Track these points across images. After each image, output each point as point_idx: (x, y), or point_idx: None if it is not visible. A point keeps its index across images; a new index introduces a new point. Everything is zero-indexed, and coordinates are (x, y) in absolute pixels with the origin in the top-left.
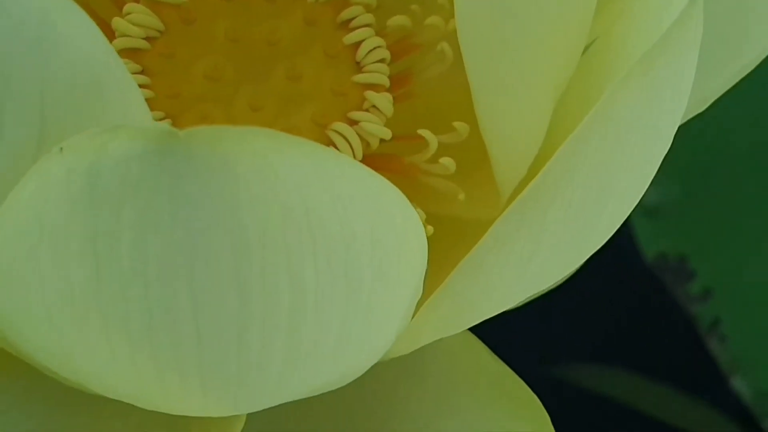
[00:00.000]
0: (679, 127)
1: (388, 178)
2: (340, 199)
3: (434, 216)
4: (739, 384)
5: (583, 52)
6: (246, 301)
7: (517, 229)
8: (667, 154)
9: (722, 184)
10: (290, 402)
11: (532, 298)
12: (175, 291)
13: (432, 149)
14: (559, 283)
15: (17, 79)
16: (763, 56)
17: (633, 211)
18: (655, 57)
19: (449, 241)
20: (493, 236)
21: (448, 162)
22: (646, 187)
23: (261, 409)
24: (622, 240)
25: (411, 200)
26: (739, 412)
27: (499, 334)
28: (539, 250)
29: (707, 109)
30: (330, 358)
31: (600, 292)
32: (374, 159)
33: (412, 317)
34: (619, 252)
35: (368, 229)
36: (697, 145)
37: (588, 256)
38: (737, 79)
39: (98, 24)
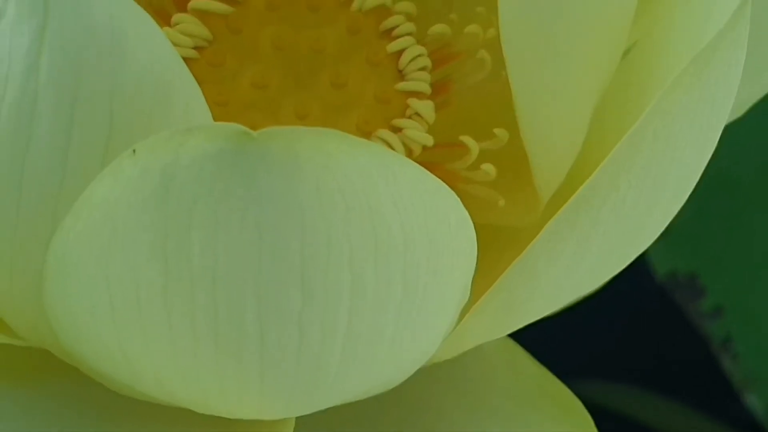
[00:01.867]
0: None
1: None
2: (402, 199)
3: (476, 223)
4: (752, 400)
5: (623, 57)
6: (309, 299)
7: (570, 230)
8: None
9: (732, 203)
10: (333, 407)
11: (575, 301)
12: (241, 290)
13: (473, 155)
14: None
15: (89, 83)
16: None
17: None
18: (708, 57)
19: (486, 249)
20: (545, 237)
21: (488, 168)
22: (693, 186)
23: (313, 411)
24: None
25: None
26: (752, 428)
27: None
28: (589, 251)
29: None
30: (384, 357)
31: (612, 309)
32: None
33: (459, 321)
34: (630, 270)
35: (425, 230)
36: (708, 164)
37: (636, 256)
38: None
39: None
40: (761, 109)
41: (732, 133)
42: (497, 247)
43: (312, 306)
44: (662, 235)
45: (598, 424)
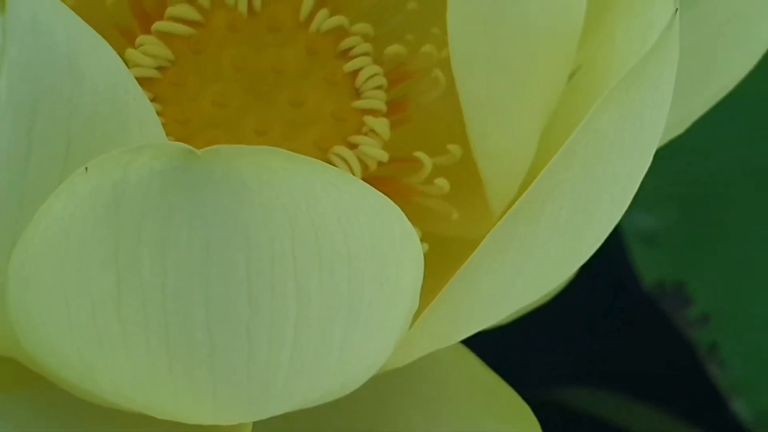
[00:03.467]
0: (676, 156)
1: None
2: (345, 214)
3: (429, 234)
4: (739, 407)
5: (570, 78)
6: (256, 310)
7: (509, 242)
8: (663, 183)
9: (718, 212)
10: (290, 412)
11: (525, 311)
12: (190, 302)
13: (427, 170)
14: (550, 297)
15: (47, 106)
16: (739, 79)
17: (631, 238)
18: (635, 78)
19: (442, 259)
20: (486, 249)
21: (442, 182)
22: (629, 201)
23: (267, 416)
24: (621, 266)
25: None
26: None
27: (497, 356)
28: (529, 262)
29: (703, 138)
30: (333, 366)
31: (599, 317)
32: (373, 181)
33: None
34: (617, 278)
35: (369, 243)
36: (693, 173)
37: (576, 269)
38: (716, 101)
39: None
40: (745, 118)
41: (717, 141)
42: (453, 256)
43: (259, 318)
44: (649, 244)
45: (586, 431)
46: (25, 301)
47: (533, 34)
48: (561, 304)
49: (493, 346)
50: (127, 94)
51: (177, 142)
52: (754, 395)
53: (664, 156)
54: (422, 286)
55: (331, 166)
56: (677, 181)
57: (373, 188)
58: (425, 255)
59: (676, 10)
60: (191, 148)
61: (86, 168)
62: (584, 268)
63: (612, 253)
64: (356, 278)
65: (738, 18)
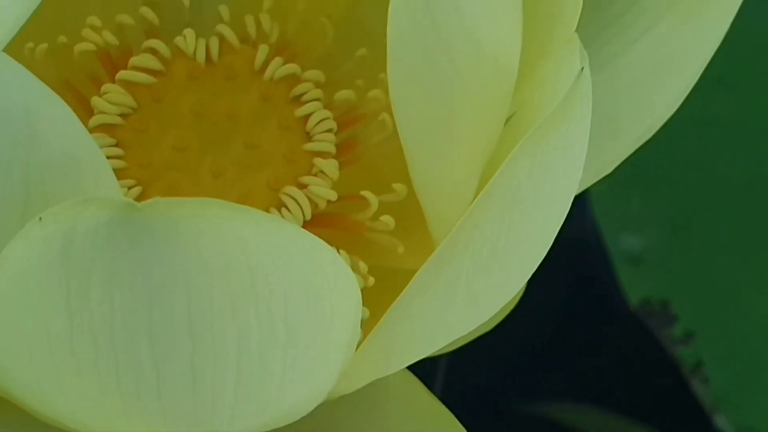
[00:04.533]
0: (661, 178)
1: (336, 235)
2: (279, 257)
3: (378, 267)
4: (722, 422)
5: (507, 122)
6: (198, 347)
7: (435, 280)
8: (649, 204)
9: (701, 233)
10: None
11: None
12: (137, 339)
13: (373, 208)
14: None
15: (6, 158)
16: (663, 121)
17: (617, 258)
18: (545, 130)
19: (390, 290)
20: (416, 285)
21: (388, 220)
22: (551, 243)
23: None
24: (608, 286)
25: (357, 254)
26: None
27: (482, 368)
28: (456, 298)
29: (686, 161)
30: (276, 397)
31: (587, 336)
32: (323, 217)
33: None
34: (604, 298)
35: (304, 283)
36: (677, 195)
37: (501, 305)
38: (639, 144)
39: (78, 101)
40: (727, 141)
41: (701, 164)
42: (400, 287)
43: (202, 353)
44: (635, 264)
45: None
46: None
47: (468, 85)
48: (550, 320)
49: (478, 359)
50: (82, 149)
51: (121, 197)
52: (736, 411)
53: (649, 178)
54: (370, 317)
55: (265, 213)
56: (662, 203)
57: (305, 231)
58: (372, 287)
59: (582, 68)
60: (132, 201)
61: (40, 218)
62: (573, 288)
63: (599, 273)
64: (293, 315)
65: (657, 70)
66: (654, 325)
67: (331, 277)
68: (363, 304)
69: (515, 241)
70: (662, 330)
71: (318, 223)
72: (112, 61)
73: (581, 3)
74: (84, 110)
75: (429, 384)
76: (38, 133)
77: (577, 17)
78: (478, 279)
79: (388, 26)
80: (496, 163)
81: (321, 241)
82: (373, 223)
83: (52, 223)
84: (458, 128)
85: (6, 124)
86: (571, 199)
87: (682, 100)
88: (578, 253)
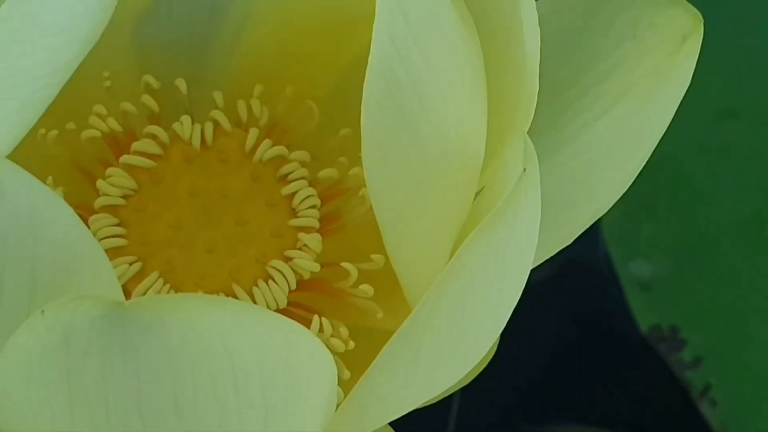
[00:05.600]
0: (671, 207)
1: (321, 299)
2: (256, 340)
3: (362, 328)
4: None
5: (476, 197)
6: (183, 422)
7: (399, 356)
8: (659, 232)
9: (710, 260)
10: None
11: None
12: (128, 415)
13: (353, 278)
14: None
15: (13, 255)
16: (617, 198)
17: (628, 285)
18: (493, 223)
19: (371, 349)
20: (382, 359)
21: (367, 288)
22: (507, 318)
23: None
24: (618, 312)
25: (338, 317)
26: None
27: (495, 394)
28: (419, 370)
29: (696, 192)
30: None
31: (597, 360)
32: (309, 284)
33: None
34: (615, 323)
35: (279, 360)
36: (687, 223)
37: (462, 375)
38: (594, 220)
39: (87, 179)
40: (737, 170)
41: (710, 193)
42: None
43: (187, 425)
44: (646, 290)
45: None
46: (2, 407)
47: (435, 170)
48: (561, 345)
49: (491, 386)
50: (82, 245)
51: (110, 297)
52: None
53: (659, 206)
54: (351, 377)
55: (242, 302)
56: (672, 231)
57: (279, 315)
58: (353, 350)
59: (525, 169)
60: (121, 300)
61: (43, 311)
62: (584, 313)
63: (610, 298)
64: (270, 392)
65: (613, 150)
66: (663, 350)
67: (306, 355)
68: (344, 366)
69: (471, 319)
70: (672, 355)
71: (303, 287)
72: (117, 143)
73: (535, 102)
74: (92, 188)
75: (444, 411)
76: (42, 233)
77: (531, 116)
78: (437, 353)
79: (361, 117)
80: (468, 234)
81: (294, 323)
82: (353, 290)
83: (52, 315)
84: (428, 207)
85: (13, 225)
86: (525, 277)
87: (635, 177)
88: (589, 279)
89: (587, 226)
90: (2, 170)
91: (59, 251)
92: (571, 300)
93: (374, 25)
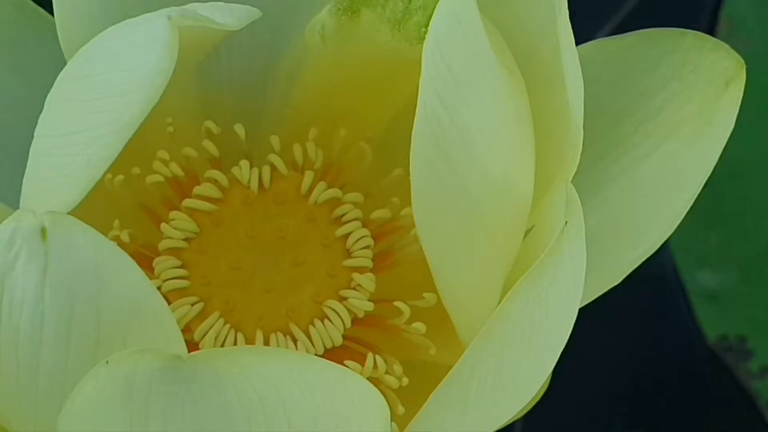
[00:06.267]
0: (738, 216)
1: (377, 335)
2: (307, 388)
3: (416, 361)
4: None
5: (526, 235)
6: None
7: (448, 400)
8: (725, 243)
9: None
10: None
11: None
12: None
13: (406, 316)
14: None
15: (80, 306)
16: (666, 238)
17: (695, 296)
18: (537, 274)
19: (425, 383)
20: (431, 405)
21: (419, 326)
22: (554, 361)
23: None
24: (685, 322)
25: (394, 351)
26: None
27: (562, 409)
28: (467, 414)
29: (763, 202)
30: None
31: (664, 371)
32: (363, 320)
33: None
34: (683, 334)
35: (331, 405)
36: (753, 233)
37: (512, 415)
38: (643, 259)
39: (152, 220)
40: None
41: None
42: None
43: None
44: (713, 301)
45: None
46: None
47: (483, 214)
48: (627, 356)
49: (556, 399)
50: (144, 295)
51: (170, 351)
52: None
53: (726, 216)
54: (405, 412)
55: (293, 352)
56: (739, 241)
57: (329, 363)
58: (407, 386)
59: (566, 222)
60: (179, 354)
61: (107, 361)
62: (650, 323)
63: (677, 309)
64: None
65: (661, 188)
66: (731, 360)
67: (358, 399)
68: (398, 401)
69: (517, 366)
70: (739, 365)
71: (359, 326)
72: (180, 186)
73: (579, 150)
74: (157, 228)
75: None
76: (107, 286)
77: (576, 163)
78: (485, 400)
79: (410, 168)
80: (519, 272)
81: (345, 369)
82: (406, 326)
83: (116, 367)
84: (477, 250)
85: (79, 279)
86: (571, 323)
87: (683, 216)
88: (656, 289)
89: (635, 266)
90: (69, 226)
91: (123, 303)
92: (637, 309)
93: (420, 78)
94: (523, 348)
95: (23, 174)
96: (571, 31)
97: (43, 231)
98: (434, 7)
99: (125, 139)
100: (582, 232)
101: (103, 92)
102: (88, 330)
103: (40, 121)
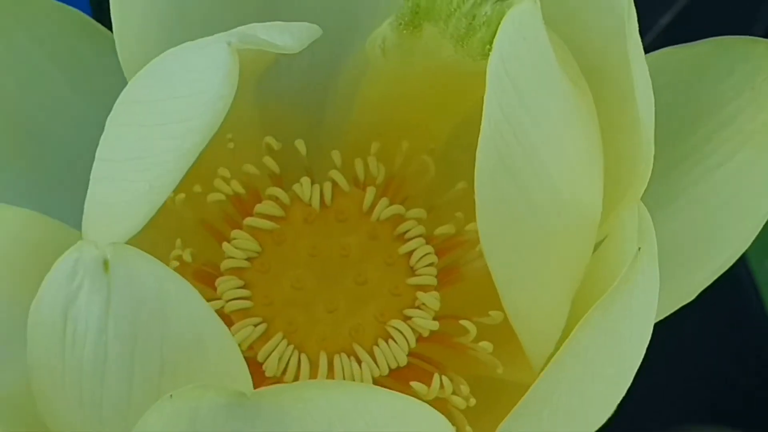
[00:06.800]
0: None
1: (443, 353)
2: (373, 420)
3: (485, 378)
4: None
5: (595, 250)
6: None
7: (520, 428)
8: None
9: None
10: None
11: None
12: None
13: (472, 335)
14: None
15: (143, 336)
16: (742, 251)
17: (760, 280)
18: (609, 303)
19: (494, 400)
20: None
21: (486, 345)
22: (628, 385)
23: None
24: (756, 313)
25: (460, 368)
26: None
27: (642, 401)
28: None
29: None
30: None
31: (734, 362)
32: (429, 339)
33: None
34: (751, 321)
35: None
36: None
37: None
38: (719, 274)
39: (214, 236)
40: None
41: None
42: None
43: None
44: None
45: None
46: None
47: (550, 232)
48: (695, 346)
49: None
50: (207, 325)
51: (233, 387)
52: None
53: None
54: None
55: (357, 384)
56: None
57: (393, 393)
58: (474, 407)
59: (639, 248)
60: (243, 390)
61: (171, 395)
62: (722, 316)
63: (745, 298)
64: None
65: (734, 199)
66: None
67: (423, 427)
68: (465, 421)
69: (589, 393)
70: None
71: (425, 344)
72: (241, 203)
73: (650, 165)
74: (219, 246)
75: None
76: (170, 316)
77: (647, 177)
78: (557, 426)
79: (475, 185)
80: (590, 287)
81: (409, 398)
82: (473, 345)
83: (180, 401)
84: (544, 267)
85: (142, 309)
86: (645, 346)
87: (758, 230)
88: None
89: (708, 283)
90: (131, 257)
91: (187, 333)
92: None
93: (485, 93)
94: (596, 378)
95: (83, 191)
96: (641, 41)
97: (105, 263)
98: (498, 23)
99: (187, 165)
100: (655, 258)
101: (165, 118)
102: (152, 361)
103: (101, 143)
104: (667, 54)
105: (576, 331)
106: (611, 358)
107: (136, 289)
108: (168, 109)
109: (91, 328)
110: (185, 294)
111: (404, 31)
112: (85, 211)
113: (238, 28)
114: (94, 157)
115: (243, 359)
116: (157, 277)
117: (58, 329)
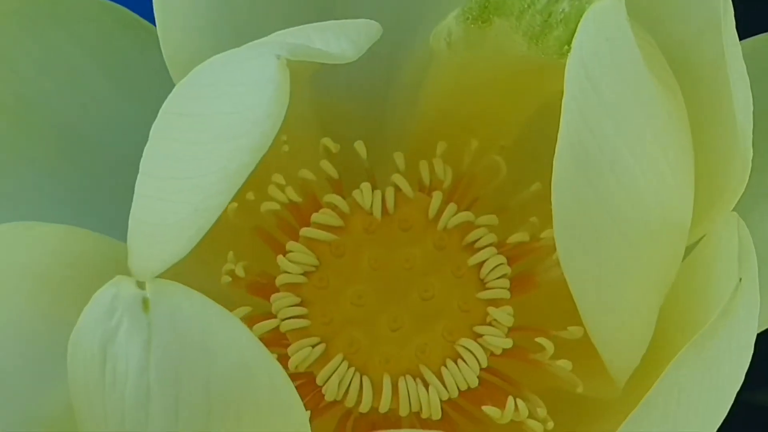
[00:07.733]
0: None
1: (518, 367)
2: None
3: (561, 391)
4: None
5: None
6: None
7: None
8: None
9: None
10: None
11: None
12: None
13: (550, 352)
14: None
15: (187, 375)
16: None
17: None
18: (707, 339)
19: (574, 416)
20: None
21: (565, 363)
22: (721, 420)
23: None
24: None
25: (536, 385)
26: None
27: None
28: None
29: None
30: None
31: None
32: (502, 355)
33: None
34: None
35: None
36: None
37: None
38: None
39: (267, 249)
40: None
41: None
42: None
43: None
44: None
45: None
46: None
47: (633, 244)
48: None
49: None
50: (256, 360)
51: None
52: None
53: None
54: None
55: None
56: None
57: None
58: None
59: (740, 279)
60: None
61: None
62: None
63: None
64: None
65: None
66: None
67: None
68: None
69: (683, 427)
70: None
71: (498, 360)
72: (298, 210)
73: (749, 167)
74: (274, 256)
75: None
76: (215, 355)
77: (744, 181)
78: None
79: (552, 195)
80: (681, 296)
81: None
82: (550, 362)
83: None
84: (628, 281)
85: (186, 350)
86: (742, 378)
87: None
88: None
89: None
90: (172, 294)
91: (234, 372)
92: None
93: (563, 98)
94: (690, 413)
95: (126, 193)
96: (737, 35)
97: (145, 301)
98: (578, 21)
99: (235, 187)
100: (756, 287)
101: (210, 135)
102: (198, 402)
103: (144, 155)
104: (761, 40)
105: (669, 369)
106: (706, 394)
107: (178, 329)
108: (214, 125)
109: (132, 369)
110: (231, 330)
111: (472, 26)
112: (129, 227)
113: (289, 30)
114: (138, 158)
115: (296, 393)
116: (201, 314)
117: (97, 363)
